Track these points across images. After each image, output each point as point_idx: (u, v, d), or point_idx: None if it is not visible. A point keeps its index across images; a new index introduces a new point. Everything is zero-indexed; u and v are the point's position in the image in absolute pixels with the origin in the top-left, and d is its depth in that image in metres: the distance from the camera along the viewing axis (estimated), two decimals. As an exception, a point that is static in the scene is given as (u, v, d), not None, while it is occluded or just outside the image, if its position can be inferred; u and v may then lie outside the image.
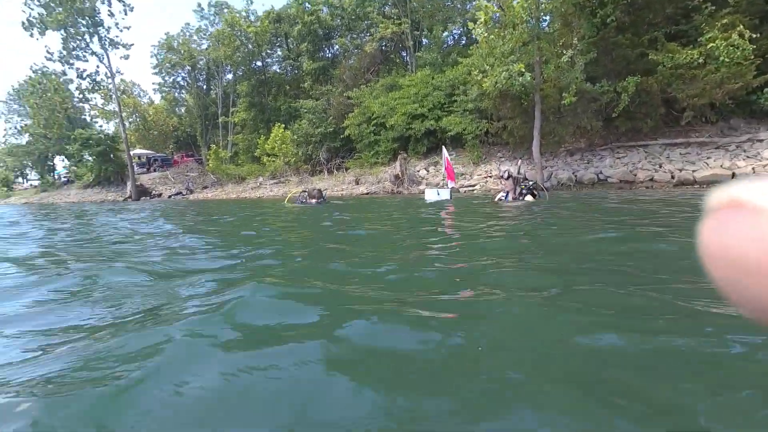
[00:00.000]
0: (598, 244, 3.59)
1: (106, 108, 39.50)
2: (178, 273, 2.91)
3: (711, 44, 12.86)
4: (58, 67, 31.85)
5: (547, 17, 15.69)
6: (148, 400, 1.10)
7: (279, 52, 35.73)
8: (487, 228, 4.98)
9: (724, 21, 12.96)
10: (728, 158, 13.29)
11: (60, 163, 46.07)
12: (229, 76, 35.38)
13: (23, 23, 28.62)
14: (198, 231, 6.11)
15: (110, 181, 35.76)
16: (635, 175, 14.37)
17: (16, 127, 49.15)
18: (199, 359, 1.34)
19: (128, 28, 32.02)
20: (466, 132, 19.48)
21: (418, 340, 1.47)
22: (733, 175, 12.57)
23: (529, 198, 10.49)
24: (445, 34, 25.96)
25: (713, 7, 13.45)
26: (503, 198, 10.81)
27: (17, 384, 1.27)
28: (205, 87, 36.87)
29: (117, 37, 31.77)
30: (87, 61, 36.27)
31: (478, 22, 13.90)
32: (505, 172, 11.33)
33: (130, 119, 41.25)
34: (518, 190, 10.70)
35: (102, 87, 33.33)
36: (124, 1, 30.70)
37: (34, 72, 40.76)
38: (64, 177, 43.46)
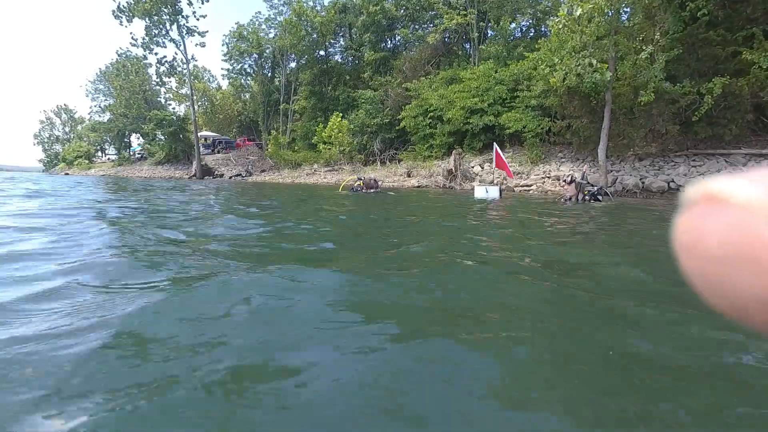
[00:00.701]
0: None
1: (179, 92, 42.32)
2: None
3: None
4: (140, 52, 34.33)
5: (627, 9, 14.64)
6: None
7: (342, 42, 36.29)
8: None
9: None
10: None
11: (135, 141, 50.10)
12: (293, 65, 36.48)
13: (113, 11, 31.12)
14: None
15: (178, 160, 38.41)
16: (713, 186, 13.16)
17: (99, 106, 54.03)
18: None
19: (204, 17, 33.82)
20: (527, 129, 18.77)
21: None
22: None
23: (594, 203, 10.26)
24: (513, 26, 25.00)
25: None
26: (565, 202, 10.66)
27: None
28: (269, 74, 38.32)
29: (194, 25, 33.60)
30: (166, 47, 39.01)
31: (560, 15, 13.15)
32: (568, 176, 11.32)
33: (199, 103, 43.87)
34: (581, 196, 10.61)
35: (177, 72, 35.62)
36: (202, -9, 32.54)
37: (119, 56, 44.60)
38: (138, 153, 47.23)
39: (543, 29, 24.54)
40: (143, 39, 32.61)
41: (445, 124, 22.06)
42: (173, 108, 45.38)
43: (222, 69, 40.08)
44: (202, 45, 35.77)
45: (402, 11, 30.88)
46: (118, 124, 45.49)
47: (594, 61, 12.64)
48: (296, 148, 33.35)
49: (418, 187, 20.22)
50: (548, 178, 16.97)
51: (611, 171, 15.30)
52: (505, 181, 16.98)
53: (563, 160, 17.96)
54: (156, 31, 32.66)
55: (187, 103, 39.01)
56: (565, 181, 11.38)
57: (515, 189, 16.82)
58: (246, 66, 38.56)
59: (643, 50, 12.38)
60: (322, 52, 35.31)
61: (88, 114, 57.24)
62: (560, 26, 13.13)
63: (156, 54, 33.67)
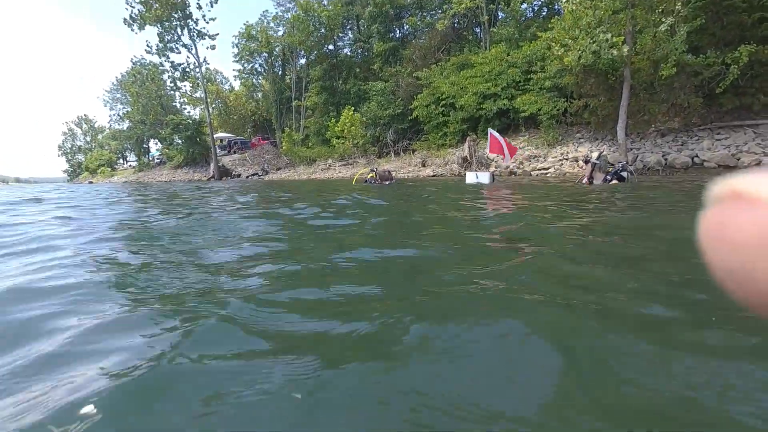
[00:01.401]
0: None
1: (194, 95, 42.97)
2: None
3: None
4: (155, 59, 34.92)
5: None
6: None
7: (350, 35, 36.17)
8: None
9: None
10: None
11: (154, 146, 51.18)
12: (303, 61, 36.56)
13: (125, 20, 31.69)
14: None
15: (196, 162, 39.09)
16: (738, 159, 12.69)
17: (118, 114, 55.29)
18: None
19: (213, 20, 34.13)
20: (542, 112, 18.37)
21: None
22: None
23: (615, 182, 9.96)
24: (524, 6, 24.37)
25: None
26: (584, 182, 10.45)
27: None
28: (280, 72, 38.53)
29: (204, 28, 34.02)
30: (179, 53, 39.58)
31: None
32: (585, 156, 11.08)
33: (213, 105, 44.47)
34: (604, 176, 10.30)
35: (190, 76, 36.14)
36: (209, -6, 32.81)
37: (134, 64, 45.47)
38: (157, 158, 48.27)
39: (556, 7, 23.85)
40: (158, 45, 33.18)
41: (458, 111, 21.79)
42: (188, 112, 46.17)
43: (233, 70, 40.64)
44: (213, 48, 36.19)
45: (409, -1, 30.52)
46: (137, 131, 46.52)
47: (610, 36, 12.26)
48: (310, 144, 33.53)
49: (434, 176, 20.11)
50: (566, 159, 16.61)
51: (631, 149, 14.88)
52: (510, 166, 16.86)
53: (581, 140, 17.53)
54: (169, 37, 33.17)
55: (202, 107, 39.56)
56: (585, 161, 11.08)
57: (532, 173, 16.54)
58: (257, 65, 38.88)
59: (663, 22, 11.91)
60: (330, 47, 35.27)
61: (108, 123, 58.77)
62: (576, 3, 12.76)
63: (171, 61, 34.26)
